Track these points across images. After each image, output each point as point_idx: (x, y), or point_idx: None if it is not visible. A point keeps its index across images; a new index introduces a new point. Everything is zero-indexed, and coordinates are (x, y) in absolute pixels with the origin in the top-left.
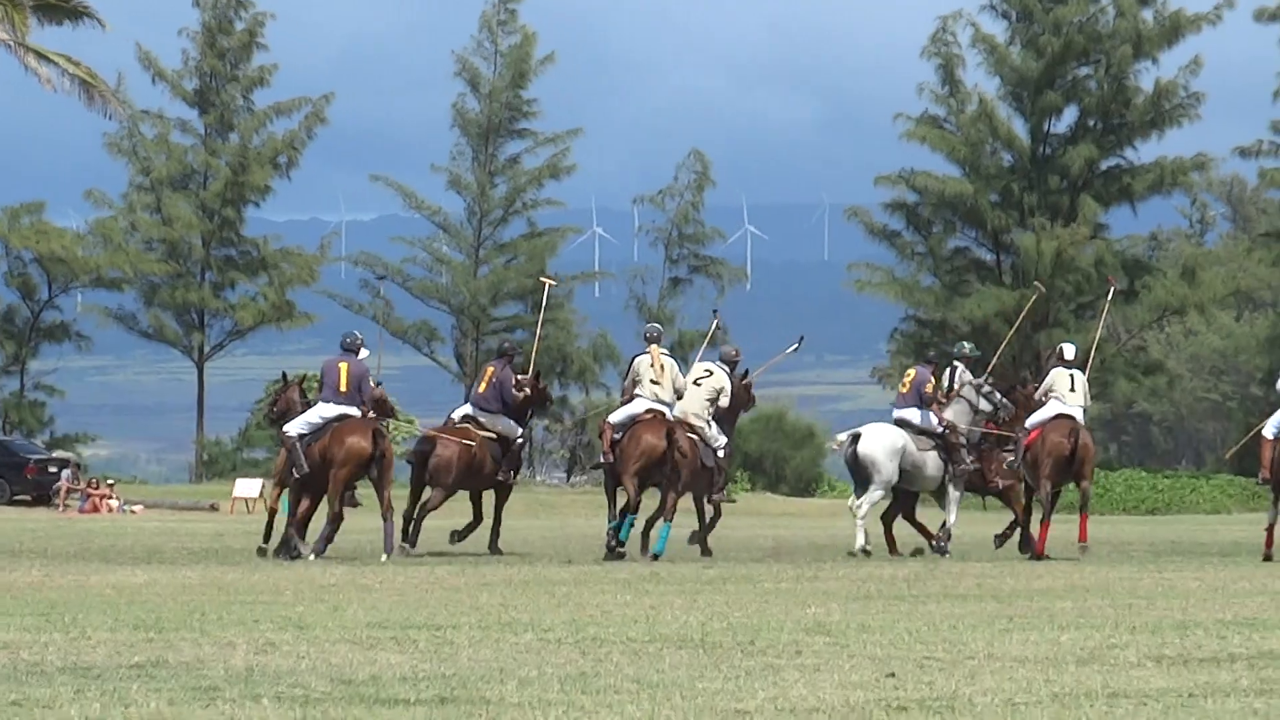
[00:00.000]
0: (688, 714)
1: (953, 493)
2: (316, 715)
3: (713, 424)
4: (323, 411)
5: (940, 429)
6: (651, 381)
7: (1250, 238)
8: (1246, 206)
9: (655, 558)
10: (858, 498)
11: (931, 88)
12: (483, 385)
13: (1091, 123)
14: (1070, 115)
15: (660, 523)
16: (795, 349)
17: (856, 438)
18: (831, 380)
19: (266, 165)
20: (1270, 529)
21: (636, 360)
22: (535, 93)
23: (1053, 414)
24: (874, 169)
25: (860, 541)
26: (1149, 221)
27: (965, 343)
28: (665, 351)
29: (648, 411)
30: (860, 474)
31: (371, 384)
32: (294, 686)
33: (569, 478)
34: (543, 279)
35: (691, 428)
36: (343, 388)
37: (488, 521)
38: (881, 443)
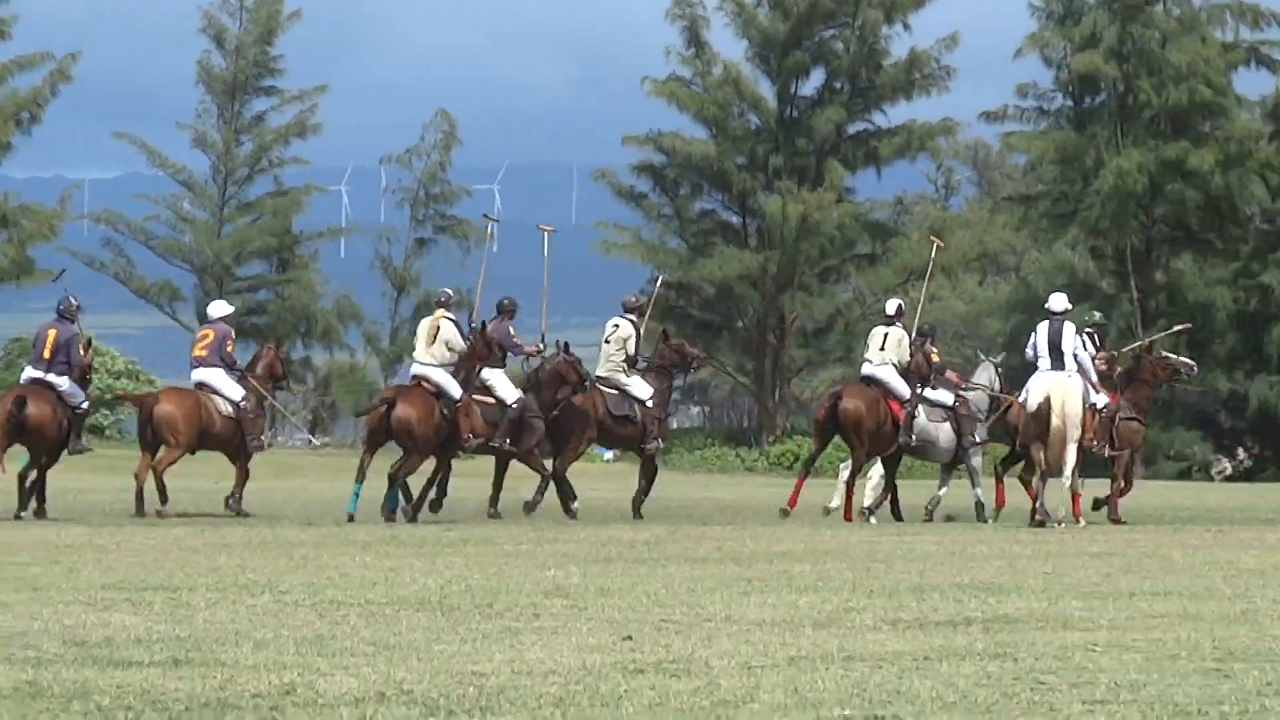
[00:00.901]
0: (424, 676)
1: (971, 463)
2: (48, 677)
3: (634, 376)
4: (26, 374)
5: (952, 404)
6: (426, 346)
7: (994, 201)
8: (991, 171)
9: (350, 518)
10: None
11: (678, 50)
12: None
13: (839, 85)
14: (818, 78)
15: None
16: None
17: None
18: (579, 343)
19: (8, 121)
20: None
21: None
22: (282, 49)
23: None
24: (625, 131)
25: (837, 501)
26: (895, 185)
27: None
28: (450, 316)
29: (412, 378)
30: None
31: (81, 351)
32: (26, 648)
33: (312, 440)
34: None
35: (438, 389)
36: (46, 353)
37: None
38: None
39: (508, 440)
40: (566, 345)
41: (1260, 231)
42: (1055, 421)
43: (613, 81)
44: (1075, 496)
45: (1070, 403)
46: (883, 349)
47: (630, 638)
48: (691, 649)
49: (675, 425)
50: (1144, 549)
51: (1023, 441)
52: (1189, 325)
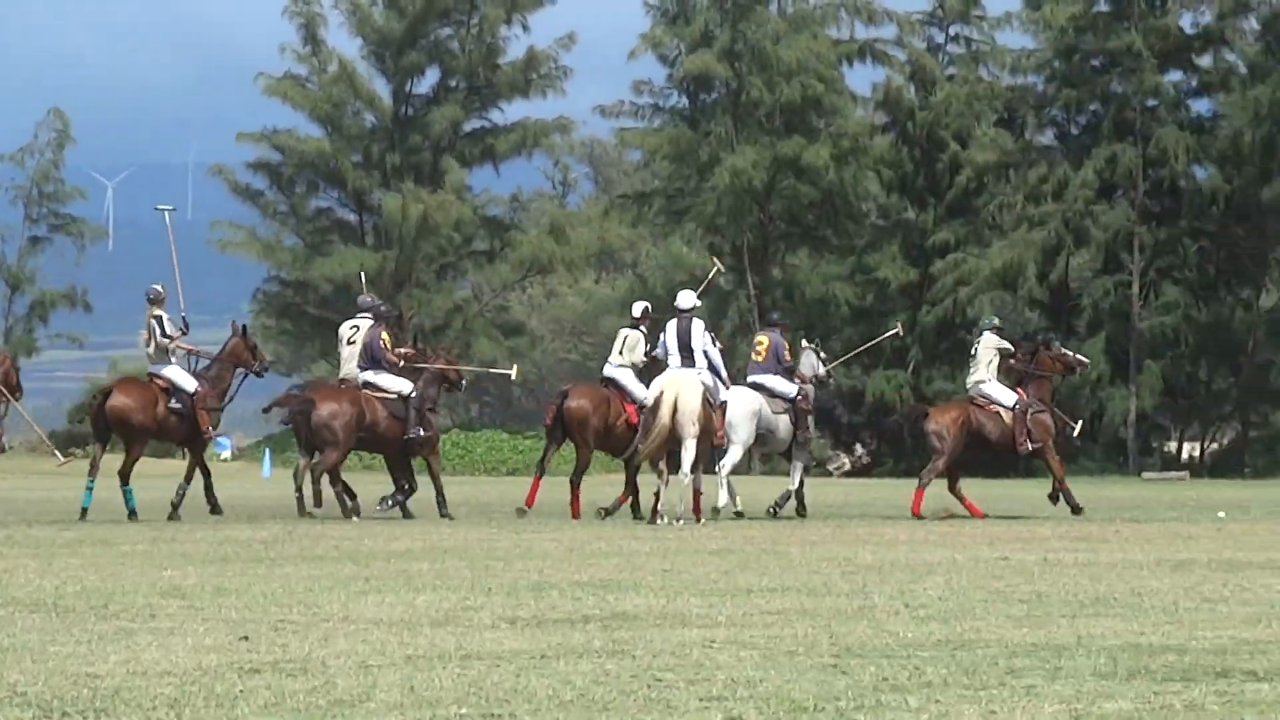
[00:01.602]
0: (38, 678)
1: (796, 459)
2: None
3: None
4: None
5: (794, 395)
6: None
7: (611, 198)
8: (608, 168)
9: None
10: (718, 460)
11: (294, 47)
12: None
13: (455, 84)
14: (434, 76)
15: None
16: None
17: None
18: (204, 340)
19: None
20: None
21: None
22: None
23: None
24: (243, 129)
25: (724, 499)
26: (512, 182)
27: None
28: (159, 313)
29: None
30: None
31: None
32: None
33: None
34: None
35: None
36: None
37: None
38: (740, 407)
39: (421, 430)
40: (244, 328)
41: (875, 226)
42: (664, 418)
43: (230, 80)
44: (696, 494)
45: (686, 399)
46: (621, 351)
47: (246, 638)
48: (308, 648)
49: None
50: (762, 545)
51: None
52: (898, 330)
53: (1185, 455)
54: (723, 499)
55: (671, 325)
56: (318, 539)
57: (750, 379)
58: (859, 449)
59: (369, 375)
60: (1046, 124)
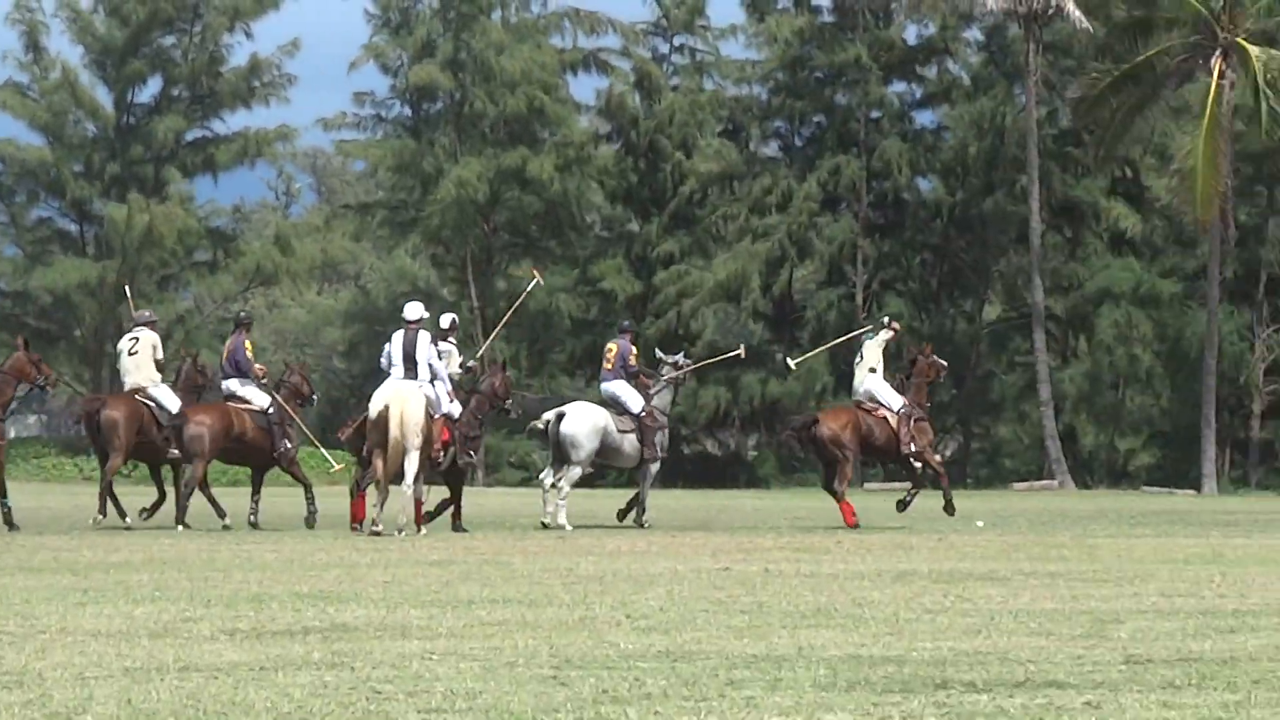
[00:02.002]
0: None
1: (650, 470)
2: None
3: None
4: None
5: (640, 411)
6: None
7: (333, 209)
8: (331, 178)
9: None
10: (554, 474)
11: (16, 55)
12: (224, 357)
13: (177, 92)
14: (156, 85)
15: None
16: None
17: (561, 416)
18: None
19: None
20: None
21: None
22: None
23: None
24: None
25: (561, 519)
26: (234, 192)
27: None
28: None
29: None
30: (561, 451)
31: None
32: None
33: None
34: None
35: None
36: None
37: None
38: (583, 423)
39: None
40: (26, 341)
41: (599, 238)
42: (394, 430)
43: None
44: (417, 504)
45: (409, 411)
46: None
47: None
48: (25, 660)
49: (14, 434)
50: (484, 556)
51: (367, 449)
52: (739, 352)
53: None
54: (562, 517)
55: (398, 336)
56: (35, 550)
57: (603, 387)
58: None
59: (234, 386)
60: (771, 135)
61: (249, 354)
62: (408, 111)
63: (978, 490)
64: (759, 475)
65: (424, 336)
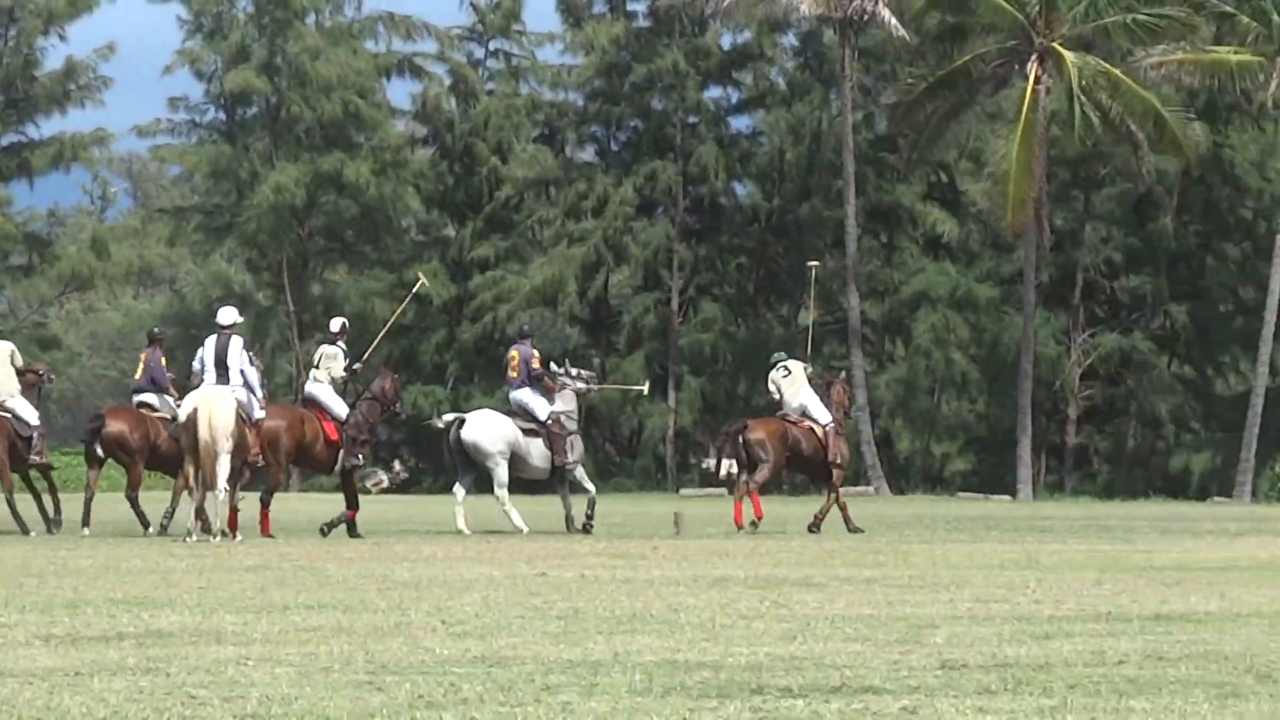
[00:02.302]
0: None
1: (579, 473)
2: None
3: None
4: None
5: (546, 419)
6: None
7: (149, 215)
8: (147, 183)
9: None
10: (462, 485)
11: None
12: (140, 373)
13: None
14: None
15: None
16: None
17: (461, 423)
18: None
19: None
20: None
21: None
22: None
23: None
24: None
25: (518, 520)
26: (49, 197)
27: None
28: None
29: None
30: (466, 460)
31: None
32: None
33: None
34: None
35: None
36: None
37: None
38: (484, 430)
39: None
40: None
41: (415, 242)
42: (204, 435)
43: None
44: (232, 511)
45: (218, 416)
46: (318, 366)
47: None
48: None
49: None
50: (299, 562)
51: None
52: (644, 388)
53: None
54: (517, 518)
55: (210, 341)
56: None
57: (511, 395)
58: (397, 465)
59: (149, 398)
60: (587, 140)
61: (163, 368)
62: (223, 116)
63: (794, 496)
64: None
65: (236, 341)
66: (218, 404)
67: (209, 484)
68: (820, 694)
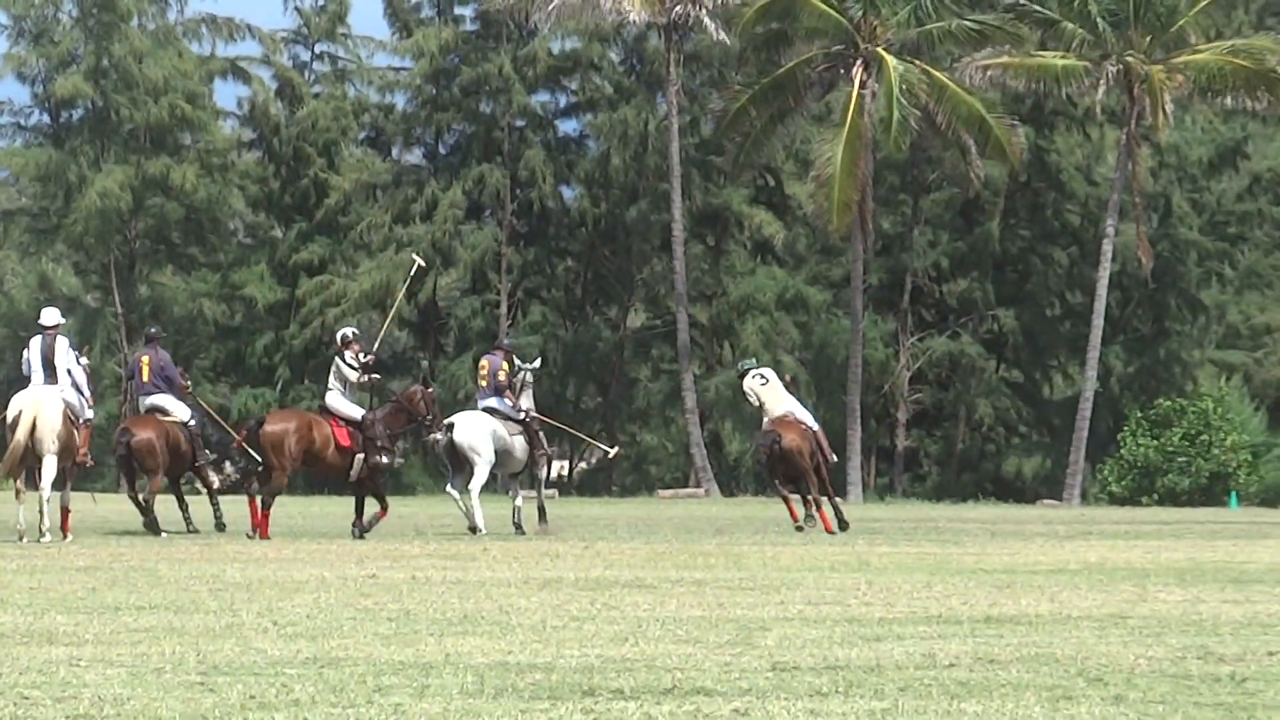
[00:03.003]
0: None
1: (539, 473)
2: None
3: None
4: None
5: (523, 416)
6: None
7: None
8: None
9: None
10: (453, 486)
11: None
12: (145, 375)
13: None
14: None
15: None
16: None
17: (451, 427)
18: None
19: None
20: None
21: None
22: None
23: None
24: None
25: (479, 520)
26: None
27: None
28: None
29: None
30: (458, 461)
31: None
32: None
33: None
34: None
35: None
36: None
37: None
38: (477, 428)
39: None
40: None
41: (242, 244)
42: (21, 436)
43: None
44: (64, 511)
45: (44, 417)
46: (334, 378)
47: None
48: None
49: None
50: (130, 563)
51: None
52: (617, 450)
53: (554, 473)
54: (479, 518)
55: (35, 342)
56: None
57: (480, 404)
58: (229, 467)
59: (160, 400)
60: (415, 143)
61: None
62: (48, 120)
63: (623, 498)
64: (405, 482)
65: (61, 342)
66: (44, 405)
67: (36, 483)
68: (652, 696)
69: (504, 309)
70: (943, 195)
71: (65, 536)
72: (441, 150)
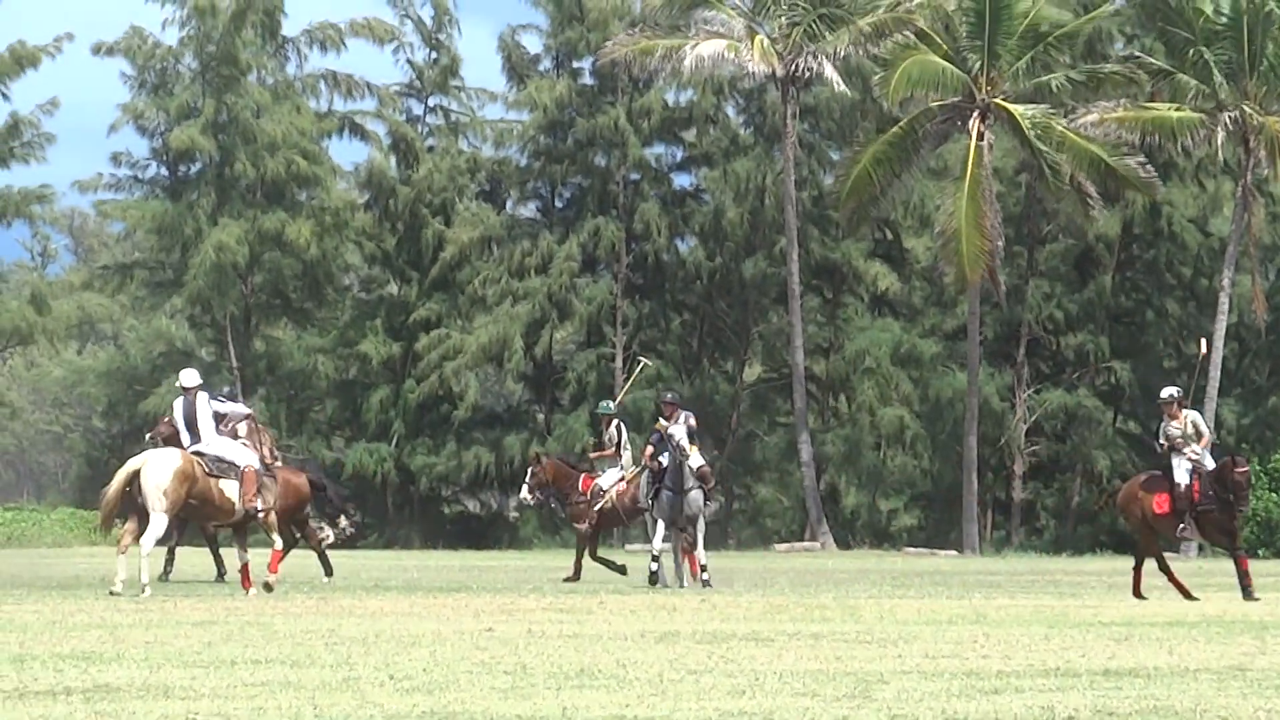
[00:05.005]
0: None
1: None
2: None
3: None
4: None
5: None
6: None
7: (91, 270)
8: (89, 238)
9: None
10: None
11: None
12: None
13: None
14: None
15: None
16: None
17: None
18: None
19: None
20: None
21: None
22: None
23: None
24: None
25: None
26: None
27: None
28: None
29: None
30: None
31: None
32: None
33: None
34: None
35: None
36: None
37: None
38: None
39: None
40: None
41: (358, 300)
42: (114, 487)
43: None
44: (244, 567)
45: (149, 473)
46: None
47: None
48: None
49: None
50: (246, 617)
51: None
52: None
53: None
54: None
55: (178, 404)
56: None
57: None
58: (343, 521)
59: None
60: (530, 197)
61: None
62: (166, 173)
63: (740, 551)
64: (521, 536)
65: (202, 399)
66: (151, 462)
67: (138, 538)
68: None
69: (619, 362)
70: (1058, 247)
71: (247, 591)
72: (556, 203)
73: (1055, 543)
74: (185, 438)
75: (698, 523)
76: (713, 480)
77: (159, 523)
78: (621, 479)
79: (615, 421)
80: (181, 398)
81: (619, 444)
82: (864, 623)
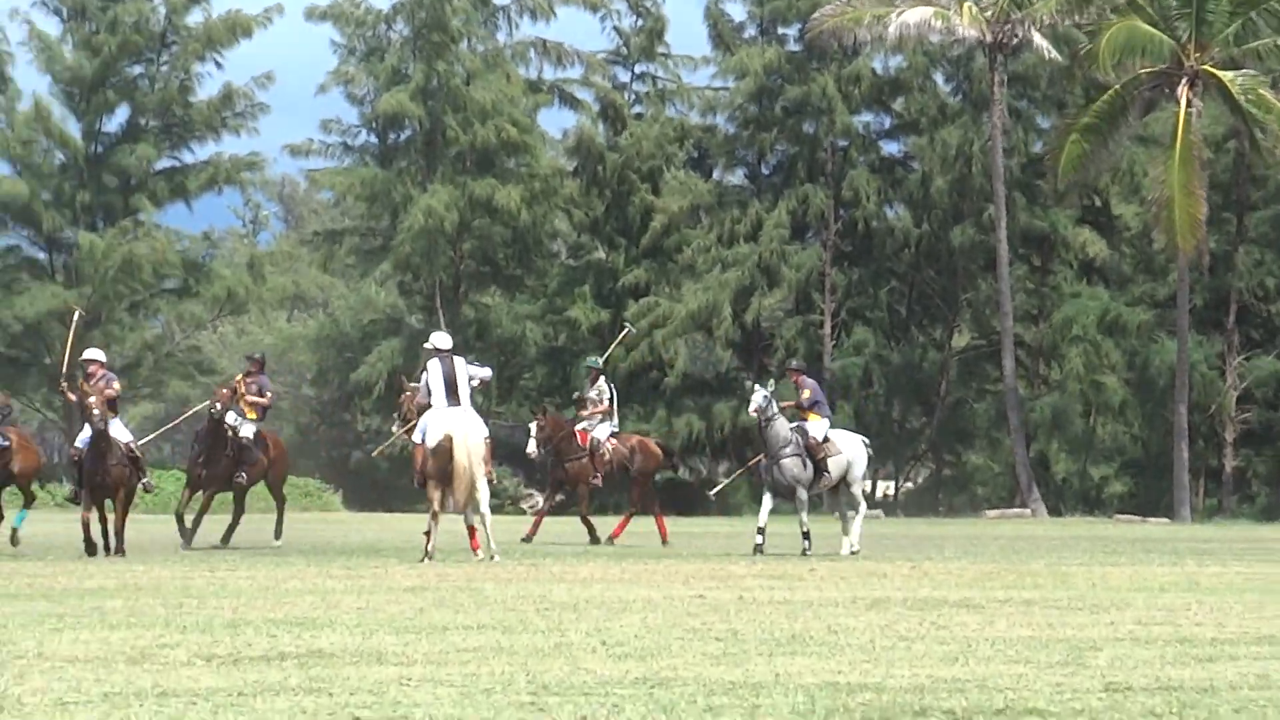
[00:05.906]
0: None
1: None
2: None
3: None
4: None
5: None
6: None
7: (301, 237)
8: (299, 206)
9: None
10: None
11: None
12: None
13: (145, 122)
14: (124, 114)
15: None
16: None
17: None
18: None
19: None
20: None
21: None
22: None
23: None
24: None
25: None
26: (204, 219)
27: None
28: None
29: None
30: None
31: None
32: None
33: None
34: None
35: None
36: None
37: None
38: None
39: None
40: None
41: (566, 267)
42: (460, 459)
43: None
44: (471, 530)
45: (473, 439)
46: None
47: None
48: (4, 686)
49: None
50: (457, 583)
51: (422, 479)
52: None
53: (880, 494)
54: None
55: (434, 365)
56: (11, 576)
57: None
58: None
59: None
60: (737, 164)
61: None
62: (375, 139)
63: (950, 518)
64: (731, 503)
65: (460, 362)
66: (471, 428)
67: (469, 505)
68: (984, 716)
69: (827, 329)
70: (1267, 214)
71: (475, 554)
72: (764, 170)
73: (1267, 510)
74: (440, 400)
75: (797, 492)
76: (821, 452)
77: (486, 488)
78: (612, 433)
79: (602, 376)
80: (436, 360)
81: (611, 400)
82: (1076, 590)
